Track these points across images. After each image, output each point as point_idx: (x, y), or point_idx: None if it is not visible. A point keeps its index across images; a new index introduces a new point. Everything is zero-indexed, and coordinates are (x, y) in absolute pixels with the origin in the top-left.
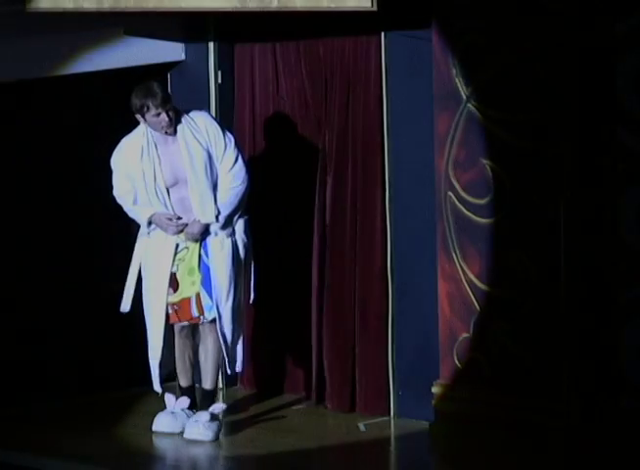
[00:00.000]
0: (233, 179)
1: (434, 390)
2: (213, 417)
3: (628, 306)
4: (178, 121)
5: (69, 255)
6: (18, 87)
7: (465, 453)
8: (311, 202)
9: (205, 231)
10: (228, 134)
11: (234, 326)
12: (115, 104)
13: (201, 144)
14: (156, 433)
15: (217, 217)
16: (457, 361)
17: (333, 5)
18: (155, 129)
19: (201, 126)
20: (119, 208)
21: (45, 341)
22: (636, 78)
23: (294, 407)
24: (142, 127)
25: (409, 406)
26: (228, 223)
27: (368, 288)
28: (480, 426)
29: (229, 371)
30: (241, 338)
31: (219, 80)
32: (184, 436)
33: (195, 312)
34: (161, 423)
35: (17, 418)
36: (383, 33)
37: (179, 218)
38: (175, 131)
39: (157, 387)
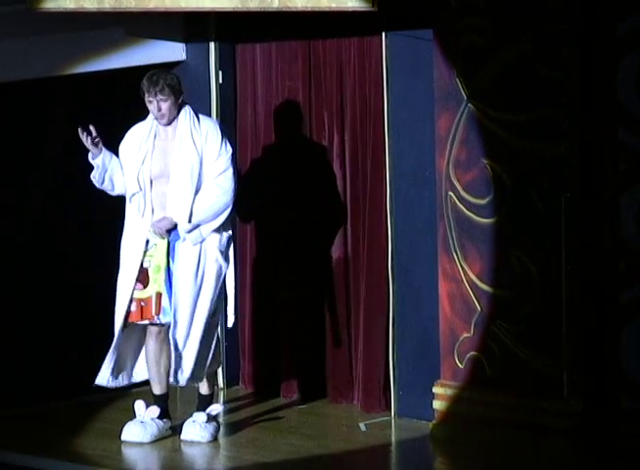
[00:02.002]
0: (215, 188)
1: (435, 390)
2: (210, 418)
3: (628, 306)
4: (184, 119)
5: (71, 254)
6: (18, 87)
7: (465, 453)
8: (313, 201)
9: (175, 233)
10: (228, 145)
11: (188, 337)
12: (116, 104)
13: (195, 145)
14: (124, 442)
15: (189, 220)
16: (458, 361)
17: (333, 5)
18: (153, 116)
19: (202, 130)
20: (122, 207)
21: (46, 341)
22: (637, 78)
23: (294, 407)
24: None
25: (410, 406)
26: (196, 230)
27: (369, 288)
28: (480, 426)
29: (171, 379)
30: (198, 351)
31: (220, 80)
32: (181, 437)
33: (153, 311)
34: (130, 432)
35: (17, 418)
36: (383, 33)
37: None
38: (170, 123)
39: (99, 379)
